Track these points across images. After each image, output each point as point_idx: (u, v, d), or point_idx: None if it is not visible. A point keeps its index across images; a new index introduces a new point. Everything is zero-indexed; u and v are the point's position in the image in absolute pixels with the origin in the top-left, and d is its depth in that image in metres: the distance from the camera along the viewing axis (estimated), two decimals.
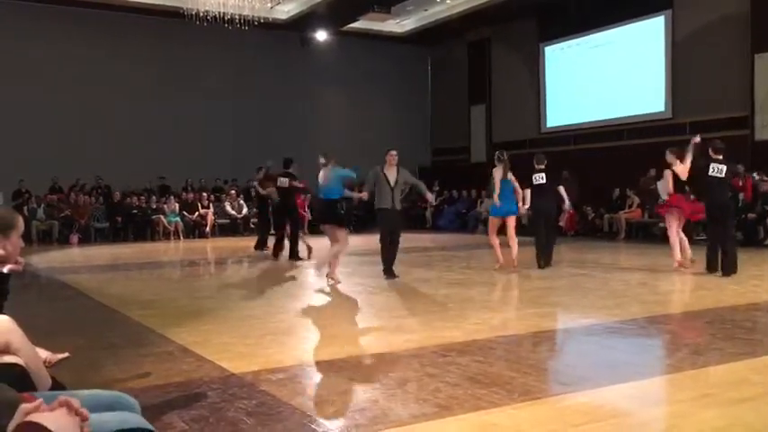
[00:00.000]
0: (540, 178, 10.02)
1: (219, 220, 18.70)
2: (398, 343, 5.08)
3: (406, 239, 16.51)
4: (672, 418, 3.49)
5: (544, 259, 10.00)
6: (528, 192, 10.06)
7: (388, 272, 9.01)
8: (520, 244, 9.81)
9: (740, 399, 3.62)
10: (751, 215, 13.19)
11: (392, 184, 8.87)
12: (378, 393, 3.80)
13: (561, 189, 10.23)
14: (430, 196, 10.09)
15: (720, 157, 8.82)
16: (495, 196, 9.79)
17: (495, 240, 9.97)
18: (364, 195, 9.16)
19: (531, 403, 3.59)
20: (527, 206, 10.10)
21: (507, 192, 9.81)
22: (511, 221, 9.88)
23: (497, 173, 9.77)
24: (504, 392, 3.75)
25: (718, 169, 8.72)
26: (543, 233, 10.17)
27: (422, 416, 3.41)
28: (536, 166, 10.13)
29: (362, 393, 3.85)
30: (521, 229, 10.48)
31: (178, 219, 17.90)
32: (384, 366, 4.41)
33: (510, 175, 9.78)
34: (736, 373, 4.12)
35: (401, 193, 9.08)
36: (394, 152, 9.04)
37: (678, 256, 9.19)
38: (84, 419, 1.65)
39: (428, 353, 4.71)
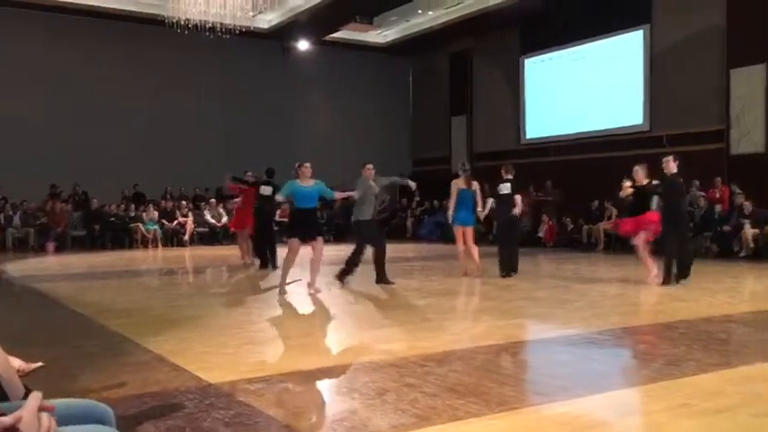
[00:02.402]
0: (504, 188, 10.14)
1: (198, 229, 18.59)
2: (378, 353, 5.07)
3: (388, 249, 16.51)
4: (648, 428, 3.52)
5: (508, 267, 10.16)
6: (490, 201, 10.44)
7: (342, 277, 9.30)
8: (484, 254, 10.04)
9: (716, 409, 3.66)
10: (726, 227, 13.36)
11: (375, 195, 9.14)
12: (356, 403, 3.79)
13: (517, 198, 10.32)
14: (412, 183, 10.28)
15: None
16: (451, 206, 10.14)
17: (461, 248, 10.26)
18: (355, 195, 9.24)
19: (508, 413, 3.60)
20: (485, 212, 10.45)
21: (468, 202, 10.04)
22: (468, 232, 10.14)
23: (458, 183, 10.10)
24: (482, 402, 3.76)
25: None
26: (507, 242, 10.41)
27: (400, 426, 3.40)
28: (503, 176, 10.26)
29: (341, 403, 3.84)
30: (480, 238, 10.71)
31: (156, 227, 17.77)
32: (363, 376, 4.40)
33: (474, 186, 10.13)
34: (712, 384, 4.16)
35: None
36: (370, 165, 9.24)
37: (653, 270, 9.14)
38: (49, 410, 1.64)
39: (407, 363, 4.71)
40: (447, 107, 22.68)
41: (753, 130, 14.67)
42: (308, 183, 8.58)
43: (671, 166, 8.90)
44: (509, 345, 5.41)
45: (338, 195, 9.47)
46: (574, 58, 18.87)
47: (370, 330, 6.20)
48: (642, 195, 9.14)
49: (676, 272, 8.87)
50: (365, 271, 9.89)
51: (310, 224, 8.68)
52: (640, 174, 9.13)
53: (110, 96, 19.19)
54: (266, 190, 11.80)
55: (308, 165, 8.68)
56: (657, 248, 9.44)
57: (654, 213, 9.17)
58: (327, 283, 9.16)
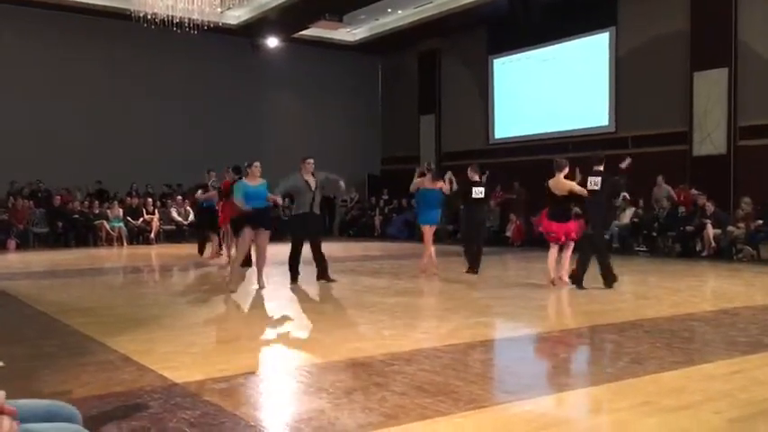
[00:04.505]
0: (479, 192, 10.21)
1: (165, 227, 18.35)
2: (345, 352, 5.06)
3: (356, 247, 16.60)
4: (612, 425, 3.57)
5: (474, 265, 10.29)
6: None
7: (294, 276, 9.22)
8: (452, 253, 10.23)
9: (679, 406, 3.72)
10: (689, 228, 13.61)
11: (313, 188, 9.08)
12: (324, 403, 3.77)
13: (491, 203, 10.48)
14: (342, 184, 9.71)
15: (600, 168, 8.59)
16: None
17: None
18: (278, 199, 9.10)
19: (476, 412, 3.62)
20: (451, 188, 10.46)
21: (433, 201, 10.18)
22: (431, 231, 10.27)
23: (424, 182, 10.23)
24: (450, 401, 3.77)
25: (594, 182, 8.54)
26: (476, 241, 10.56)
27: (368, 425, 3.40)
28: (471, 178, 10.32)
29: (309, 403, 3.82)
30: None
31: (122, 224, 17.49)
32: (331, 375, 4.39)
33: (439, 185, 10.21)
34: (675, 382, 4.23)
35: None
36: (310, 160, 9.15)
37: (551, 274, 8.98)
38: (11, 415, 1.61)
39: (375, 361, 4.70)
40: (416, 106, 22.74)
41: (714, 133, 14.97)
42: (256, 182, 8.64)
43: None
44: (477, 343, 5.44)
45: (270, 198, 9.13)
46: (541, 59, 19.05)
47: (338, 329, 6.18)
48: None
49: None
50: (337, 270, 9.87)
51: (263, 217, 8.65)
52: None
53: (74, 92, 18.83)
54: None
55: (257, 164, 8.68)
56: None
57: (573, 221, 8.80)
58: (303, 281, 9.13)
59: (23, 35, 18.34)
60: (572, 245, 8.96)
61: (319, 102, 22.86)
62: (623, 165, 8.84)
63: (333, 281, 9.30)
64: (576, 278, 8.62)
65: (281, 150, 19.20)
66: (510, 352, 5.57)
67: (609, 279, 8.62)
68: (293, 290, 8.67)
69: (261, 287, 8.68)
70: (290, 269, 9.23)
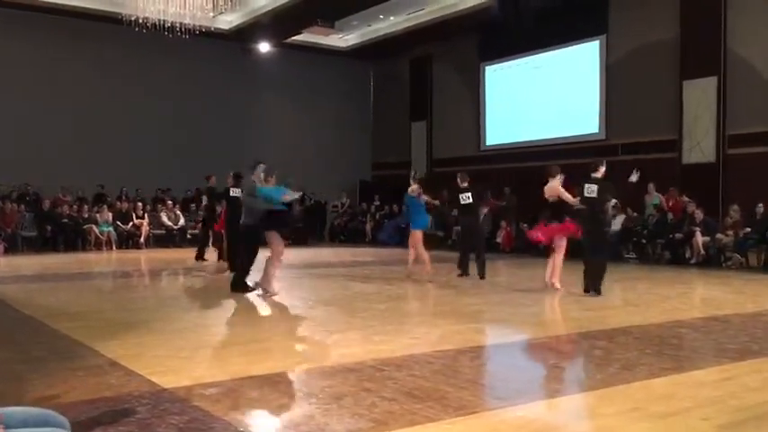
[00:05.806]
0: (466, 198, 10.29)
1: (155, 231, 18.28)
2: (335, 357, 5.05)
3: (346, 253, 16.60)
4: (602, 431, 3.57)
5: (479, 272, 10.35)
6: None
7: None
8: (449, 259, 10.29)
9: (667, 413, 3.73)
10: (678, 235, 13.67)
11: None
12: (314, 408, 3.76)
13: (484, 209, 10.74)
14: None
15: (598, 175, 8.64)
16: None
17: (425, 252, 10.46)
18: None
19: (466, 418, 3.62)
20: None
21: (420, 206, 10.45)
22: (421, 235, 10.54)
23: (414, 190, 10.39)
24: (439, 407, 3.77)
25: (589, 189, 8.56)
26: (470, 247, 10.66)
27: (357, 431, 3.39)
28: (460, 185, 10.42)
29: (298, 408, 3.81)
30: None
31: (111, 228, 17.40)
32: (320, 381, 4.38)
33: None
34: (664, 388, 4.24)
35: None
36: (263, 166, 8.92)
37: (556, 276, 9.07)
38: None
39: (365, 367, 4.69)
40: (407, 112, 22.78)
41: (703, 141, 15.07)
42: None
43: (601, 170, 8.66)
44: (467, 349, 5.44)
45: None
46: (533, 66, 19.14)
47: (328, 335, 6.17)
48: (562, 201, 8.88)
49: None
50: (327, 275, 9.87)
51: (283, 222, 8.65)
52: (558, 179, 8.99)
53: (64, 95, 18.73)
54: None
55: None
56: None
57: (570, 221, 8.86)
58: (286, 288, 9.09)
59: (11, 37, 18.22)
60: (562, 249, 9.01)
61: (311, 107, 22.86)
62: (632, 178, 8.90)
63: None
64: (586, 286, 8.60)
65: (273, 154, 19.16)
66: (500, 358, 5.57)
67: (595, 284, 8.58)
68: (281, 295, 8.63)
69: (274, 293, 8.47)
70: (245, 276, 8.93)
